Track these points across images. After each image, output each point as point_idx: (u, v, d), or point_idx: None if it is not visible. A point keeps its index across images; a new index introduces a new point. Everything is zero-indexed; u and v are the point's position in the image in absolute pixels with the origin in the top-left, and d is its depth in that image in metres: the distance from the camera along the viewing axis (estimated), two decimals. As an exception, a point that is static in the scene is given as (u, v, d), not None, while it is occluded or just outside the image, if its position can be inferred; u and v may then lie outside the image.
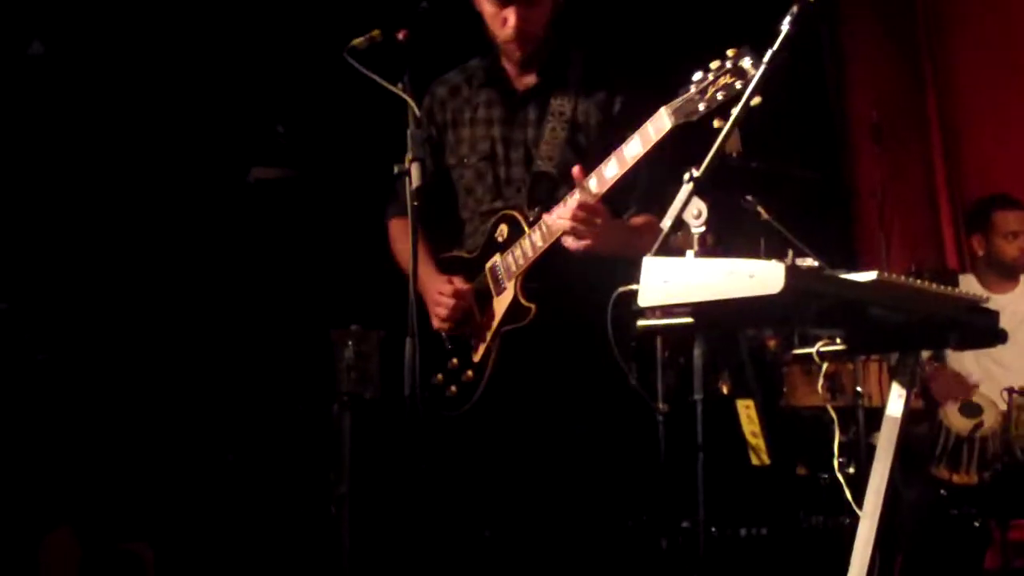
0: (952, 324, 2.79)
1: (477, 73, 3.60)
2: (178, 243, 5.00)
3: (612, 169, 3.15)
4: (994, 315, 2.88)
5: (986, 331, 2.87)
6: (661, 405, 3.99)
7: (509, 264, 3.35)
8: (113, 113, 5.01)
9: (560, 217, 3.19)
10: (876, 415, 4.11)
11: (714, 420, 2.69)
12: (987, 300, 2.90)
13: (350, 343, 4.61)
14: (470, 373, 3.41)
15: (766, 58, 2.84)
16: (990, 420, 4.82)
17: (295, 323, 4.89)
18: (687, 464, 3.49)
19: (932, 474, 4.81)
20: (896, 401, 2.86)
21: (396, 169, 3.04)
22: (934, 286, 2.72)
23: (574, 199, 3.17)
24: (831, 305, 2.49)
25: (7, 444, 4.44)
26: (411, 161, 3.01)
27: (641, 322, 2.61)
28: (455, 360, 3.47)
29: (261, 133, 4.87)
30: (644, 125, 3.09)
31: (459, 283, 3.41)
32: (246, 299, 4.90)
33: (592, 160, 3.22)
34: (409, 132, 3.05)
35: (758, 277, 2.35)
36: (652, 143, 3.08)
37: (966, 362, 5.13)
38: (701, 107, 2.96)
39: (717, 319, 2.49)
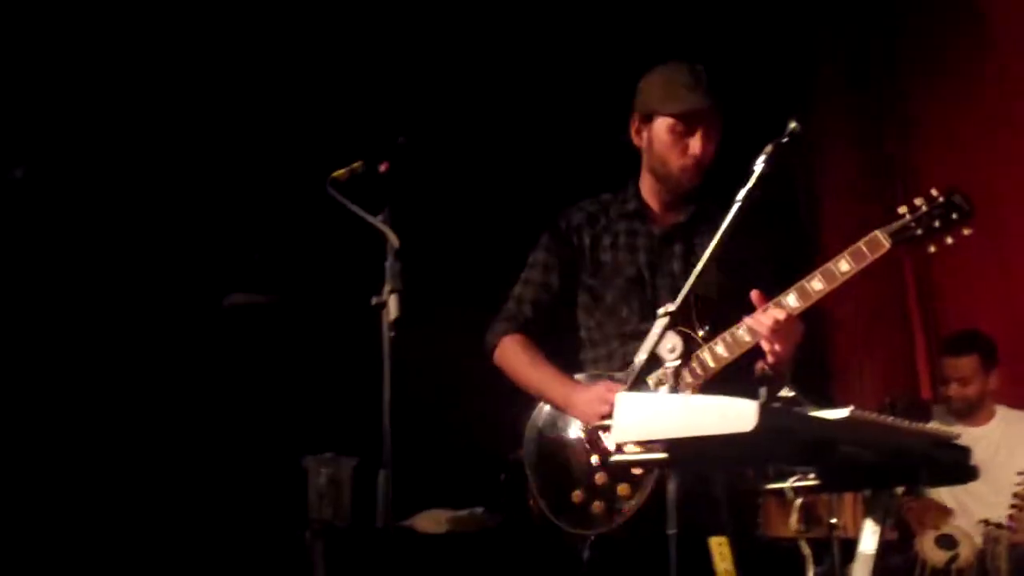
0: (924, 461, 2.79)
1: (614, 205, 3.66)
2: (152, 368, 4.97)
3: (818, 284, 3.17)
4: (966, 452, 2.89)
5: (958, 467, 2.87)
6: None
7: (684, 376, 3.27)
8: (90, 237, 5.03)
9: (760, 321, 3.18)
10: (851, 546, 4.08)
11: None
12: (959, 437, 2.91)
13: (323, 470, 4.59)
14: (625, 489, 3.31)
15: (739, 196, 2.92)
16: (966, 553, 4.82)
17: (268, 449, 4.85)
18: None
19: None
20: (869, 537, 2.85)
21: (373, 301, 3.06)
22: (906, 423, 2.73)
23: (769, 314, 3.17)
24: (804, 443, 2.49)
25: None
26: (389, 292, 3.03)
27: (615, 457, 2.62)
28: (601, 476, 3.37)
29: (238, 259, 4.89)
30: (857, 245, 3.13)
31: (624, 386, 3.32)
32: (219, 424, 4.87)
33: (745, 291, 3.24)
34: (387, 264, 3.07)
35: (730, 415, 2.35)
36: (866, 262, 3.12)
37: (941, 493, 5.13)
38: (919, 232, 3.09)
39: (690, 455, 2.49)
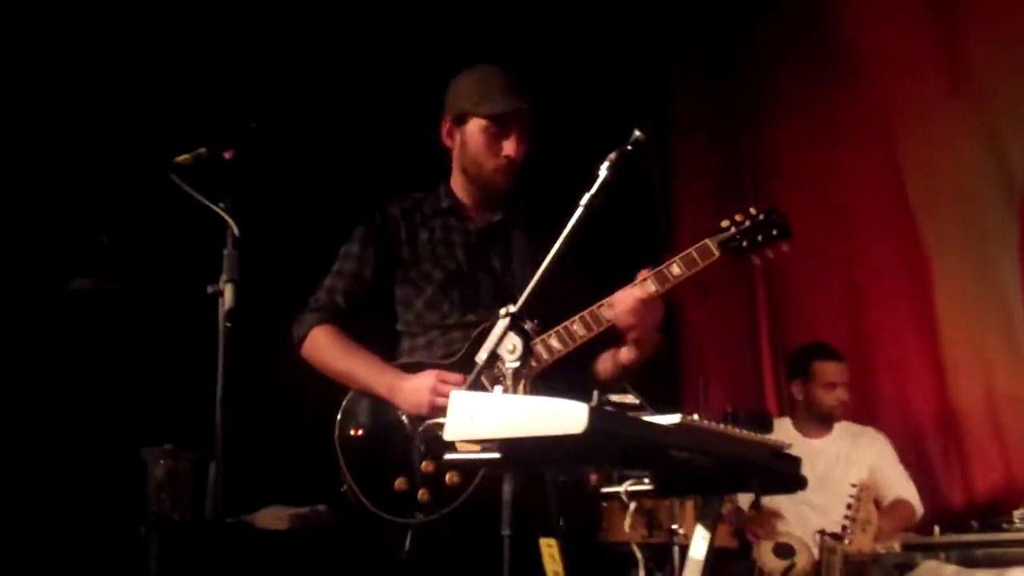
0: (755, 469, 2.84)
1: (427, 202, 3.69)
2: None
3: (651, 285, 3.25)
4: (796, 461, 2.95)
5: (788, 477, 2.93)
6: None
7: (539, 353, 3.29)
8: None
9: (623, 302, 3.25)
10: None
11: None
12: (790, 446, 2.96)
13: (162, 462, 4.49)
14: (454, 477, 3.27)
15: (583, 201, 2.94)
16: (802, 562, 4.93)
17: (107, 439, 4.71)
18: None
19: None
20: (700, 543, 2.89)
21: (210, 289, 3.00)
22: (738, 431, 2.77)
23: (634, 289, 3.25)
24: (635, 447, 2.51)
25: None
26: (225, 282, 2.97)
27: (449, 456, 2.61)
28: (429, 464, 3.32)
29: (84, 242, 4.75)
30: (689, 251, 3.25)
31: (455, 377, 3.34)
32: (55, 411, 4.71)
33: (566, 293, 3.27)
34: (225, 253, 3.01)
35: (562, 416, 2.36)
36: (697, 268, 3.24)
37: (780, 505, 5.23)
38: (744, 244, 3.25)
39: (523, 456, 2.49)
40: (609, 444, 2.44)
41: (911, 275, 6.04)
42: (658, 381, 3.47)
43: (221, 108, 4.84)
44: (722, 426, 2.72)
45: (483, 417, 2.46)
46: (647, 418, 2.55)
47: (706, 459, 2.69)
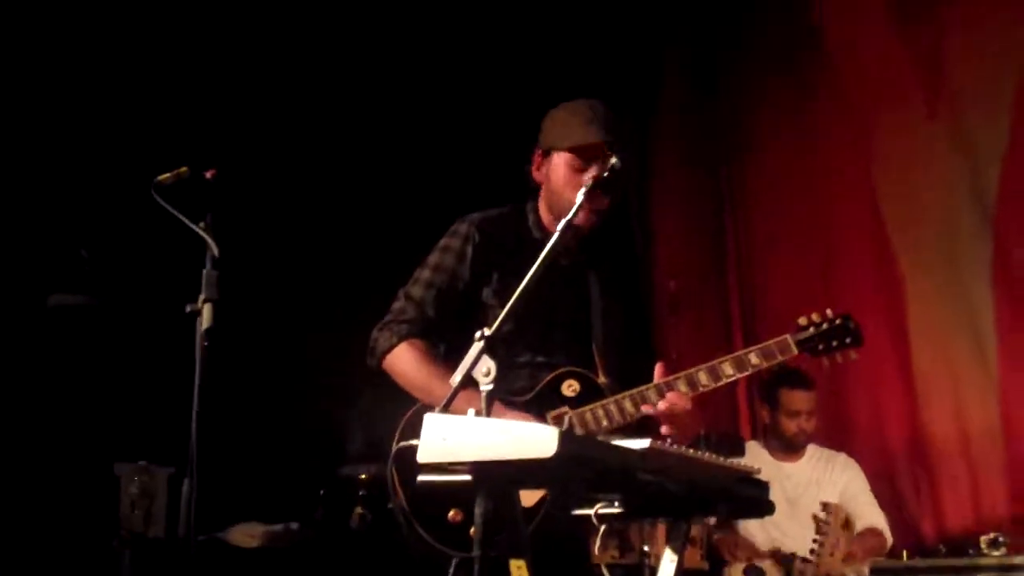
0: (722, 494, 2.86)
1: (516, 225, 3.62)
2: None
3: (729, 369, 3.36)
4: (764, 486, 2.97)
5: (755, 502, 2.95)
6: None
7: (588, 420, 3.35)
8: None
9: (667, 402, 3.31)
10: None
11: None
12: (759, 471, 2.99)
13: (136, 479, 4.50)
14: None
15: (559, 227, 2.99)
16: (772, 585, 4.96)
17: (80, 455, 4.71)
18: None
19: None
20: (668, 566, 2.91)
21: (188, 308, 3.02)
22: (707, 456, 2.80)
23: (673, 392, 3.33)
24: (604, 471, 2.54)
25: None
26: (204, 301, 2.99)
27: (421, 477, 2.63)
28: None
29: (63, 258, 4.76)
30: (769, 344, 3.36)
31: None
32: (32, 426, 4.71)
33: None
34: (204, 272, 3.04)
35: (531, 440, 2.39)
36: (774, 361, 3.38)
37: (751, 528, 5.27)
38: (820, 347, 3.38)
39: (494, 478, 2.52)
40: (579, 468, 2.47)
41: (886, 297, 6.08)
42: (633, 376, 3.46)
43: (203, 127, 4.86)
44: (691, 451, 2.75)
45: (455, 440, 2.49)
46: (616, 442, 2.58)
47: (675, 484, 2.72)
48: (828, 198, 6.26)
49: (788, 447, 5.56)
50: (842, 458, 5.62)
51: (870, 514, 5.43)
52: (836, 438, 5.85)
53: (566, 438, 2.38)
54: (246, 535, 4.62)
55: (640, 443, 2.58)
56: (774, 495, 5.29)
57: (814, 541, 4.76)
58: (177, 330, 3.52)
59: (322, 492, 4.83)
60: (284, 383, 4.52)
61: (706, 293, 6.55)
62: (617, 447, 2.56)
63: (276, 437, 5.06)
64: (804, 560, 4.82)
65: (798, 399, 5.52)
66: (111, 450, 4.63)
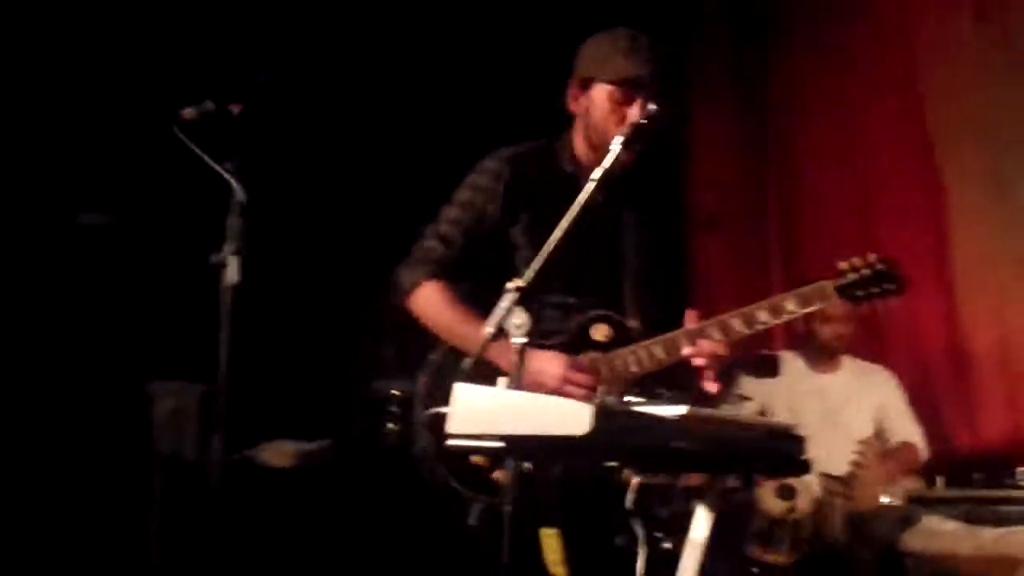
0: (758, 453, 2.82)
1: (547, 158, 3.51)
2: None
3: (763, 315, 3.25)
4: (799, 442, 2.92)
5: (791, 459, 2.90)
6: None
7: (617, 366, 3.28)
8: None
9: (703, 348, 3.22)
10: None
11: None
12: (796, 427, 2.94)
13: (168, 398, 4.48)
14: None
15: (593, 176, 2.91)
16: (803, 504, 4.93)
17: (110, 374, 4.69)
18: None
19: (745, 553, 4.90)
20: (701, 524, 2.87)
21: (213, 259, 2.94)
22: (745, 418, 2.76)
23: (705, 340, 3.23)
24: (640, 442, 2.49)
25: None
26: (231, 253, 2.91)
27: (451, 442, 2.59)
28: None
29: (88, 177, 4.69)
30: (805, 290, 3.24)
31: (584, 378, 3.25)
32: (61, 346, 4.70)
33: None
34: (228, 222, 2.95)
35: (565, 416, 2.35)
36: (811, 307, 3.27)
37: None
38: (859, 293, 3.23)
39: (526, 450, 2.48)
40: (615, 442, 2.43)
41: (927, 207, 5.96)
42: (666, 316, 3.40)
43: (230, 58, 4.71)
44: (726, 414, 2.71)
45: (487, 412, 2.45)
46: (651, 411, 2.52)
47: (710, 446, 2.67)
48: (870, 106, 6.09)
49: (825, 355, 5.51)
50: (880, 371, 5.56)
51: (906, 429, 5.40)
52: (872, 347, 5.78)
53: (601, 414, 2.34)
54: (279, 454, 4.62)
55: (677, 410, 2.53)
56: (812, 409, 5.30)
57: (849, 473, 4.72)
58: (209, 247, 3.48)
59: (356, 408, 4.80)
60: (314, 300, 4.45)
61: (743, 210, 6.43)
62: (654, 416, 2.50)
63: (306, 353, 5.03)
64: (838, 480, 4.80)
65: (834, 303, 5.45)
66: (142, 369, 4.60)
